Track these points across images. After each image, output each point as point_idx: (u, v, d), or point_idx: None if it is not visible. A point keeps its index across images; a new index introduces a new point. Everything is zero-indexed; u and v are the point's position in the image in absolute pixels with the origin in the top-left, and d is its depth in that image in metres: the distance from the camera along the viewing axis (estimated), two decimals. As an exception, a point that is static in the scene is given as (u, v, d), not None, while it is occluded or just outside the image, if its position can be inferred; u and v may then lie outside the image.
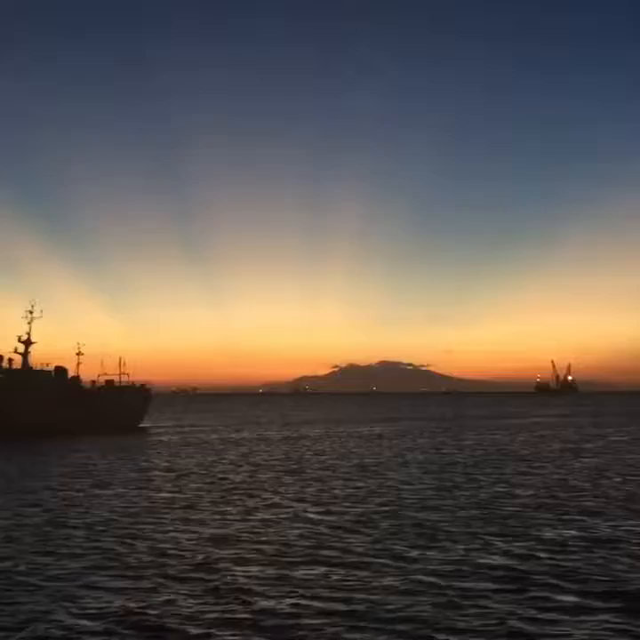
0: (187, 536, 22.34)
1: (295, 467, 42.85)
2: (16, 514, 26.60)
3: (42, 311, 78.54)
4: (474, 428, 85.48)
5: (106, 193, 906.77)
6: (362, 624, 14.04)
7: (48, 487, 33.95)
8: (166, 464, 45.28)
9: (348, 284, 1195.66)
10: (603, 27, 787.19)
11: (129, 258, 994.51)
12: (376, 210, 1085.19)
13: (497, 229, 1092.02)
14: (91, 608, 15.15)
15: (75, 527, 23.98)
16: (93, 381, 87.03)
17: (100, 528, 23.80)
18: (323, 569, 18.21)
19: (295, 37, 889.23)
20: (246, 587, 16.57)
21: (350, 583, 16.86)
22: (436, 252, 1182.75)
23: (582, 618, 14.44)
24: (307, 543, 21.24)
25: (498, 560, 19.08)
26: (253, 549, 20.43)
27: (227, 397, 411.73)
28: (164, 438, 70.45)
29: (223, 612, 14.85)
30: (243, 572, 17.91)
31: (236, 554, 19.85)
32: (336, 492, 31.97)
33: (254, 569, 18.22)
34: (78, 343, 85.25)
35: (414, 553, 19.89)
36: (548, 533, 22.59)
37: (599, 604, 15.34)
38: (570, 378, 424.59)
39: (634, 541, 21.40)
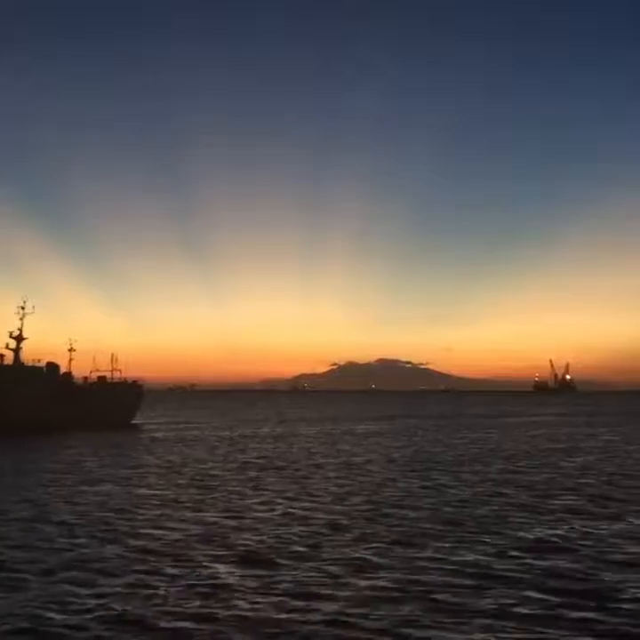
0: (168, 533, 22.29)
1: (282, 464, 42.67)
2: (2, 510, 26.44)
3: (34, 307, 78.56)
4: (469, 427, 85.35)
5: (106, 191, 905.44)
6: (339, 622, 13.98)
7: (37, 483, 33.82)
8: (155, 461, 45.13)
9: (348, 282, 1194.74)
10: (603, 27, 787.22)
11: (129, 255, 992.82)
12: (376, 209, 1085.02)
13: (497, 229, 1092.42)
14: (70, 604, 15.11)
15: (59, 523, 23.90)
16: (85, 377, 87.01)
17: (84, 524, 23.71)
18: (293, 567, 18.13)
19: (295, 37, 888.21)
20: (220, 583, 16.59)
21: (322, 582, 16.80)
22: (435, 251, 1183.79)
23: (554, 617, 14.36)
24: (282, 541, 21.16)
25: (470, 558, 18.96)
26: (229, 547, 20.36)
27: (224, 394, 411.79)
28: (156, 435, 70.29)
29: (202, 607, 14.90)
30: (218, 569, 17.90)
31: (213, 551, 19.81)
32: (317, 489, 31.87)
33: (227, 567, 18.17)
34: (70, 339, 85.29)
35: (387, 552, 19.81)
36: (523, 533, 22.48)
37: (571, 602, 15.25)
38: (568, 377, 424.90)
39: (610, 541, 21.30)
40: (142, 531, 22.70)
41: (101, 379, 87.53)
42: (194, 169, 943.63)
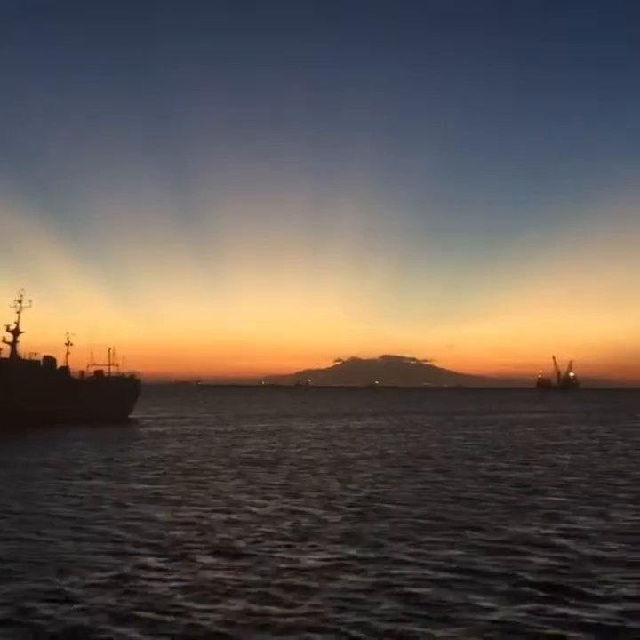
0: (158, 527, 22.39)
1: (277, 460, 42.67)
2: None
3: (31, 301, 78.51)
4: (468, 423, 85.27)
5: (106, 185, 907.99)
6: (324, 621, 13.94)
7: (30, 477, 33.94)
8: (149, 454, 45.13)
9: (352, 279, 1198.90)
10: (603, 27, 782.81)
11: (131, 251, 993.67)
12: (379, 206, 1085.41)
13: (499, 227, 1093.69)
14: (59, 597, 15.20)
15: (51, 516, 24.02)
16: (82, 372, 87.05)
17: (76, 517, 23.83)
18: (279, 562, 18.22)
19: (296, 36, 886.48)
20: (205, 577, 16.68)
21: (308, 577, 16.89)
22: (438, 248, 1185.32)
23: (536, 611, 14.43)
24: (270, 536, 21.27)
25: (453, 554, 19.00)
26: (217, 541, 20.45)
27: (227, 389, 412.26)
28: (155, 429, 70.36)
29: (186, 601, 14.96)
30: (205, 562, 18.02)
31: (201, 545, 19.91)
32: (308, 485, 31.93)
33: (212, 560, 18.27)
34: (68, 333, 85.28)
35: (372, 548, 19.89)
36: (508, 528, 22.50)
37: (554, 597, 15.35)
38: (571, 374, 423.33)
39: (594, 537, 21.33)
40: (134, 524, 22.81)
41: (98, 373, 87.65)
42: (196, 164, 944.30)
